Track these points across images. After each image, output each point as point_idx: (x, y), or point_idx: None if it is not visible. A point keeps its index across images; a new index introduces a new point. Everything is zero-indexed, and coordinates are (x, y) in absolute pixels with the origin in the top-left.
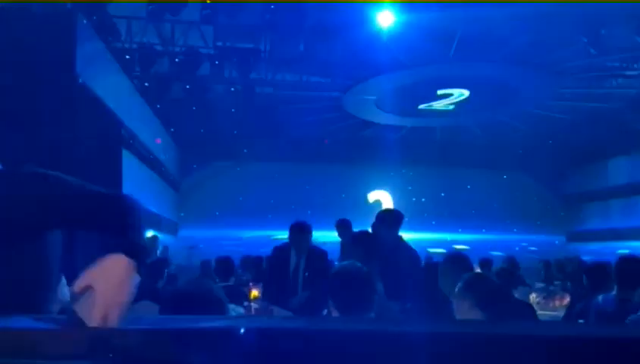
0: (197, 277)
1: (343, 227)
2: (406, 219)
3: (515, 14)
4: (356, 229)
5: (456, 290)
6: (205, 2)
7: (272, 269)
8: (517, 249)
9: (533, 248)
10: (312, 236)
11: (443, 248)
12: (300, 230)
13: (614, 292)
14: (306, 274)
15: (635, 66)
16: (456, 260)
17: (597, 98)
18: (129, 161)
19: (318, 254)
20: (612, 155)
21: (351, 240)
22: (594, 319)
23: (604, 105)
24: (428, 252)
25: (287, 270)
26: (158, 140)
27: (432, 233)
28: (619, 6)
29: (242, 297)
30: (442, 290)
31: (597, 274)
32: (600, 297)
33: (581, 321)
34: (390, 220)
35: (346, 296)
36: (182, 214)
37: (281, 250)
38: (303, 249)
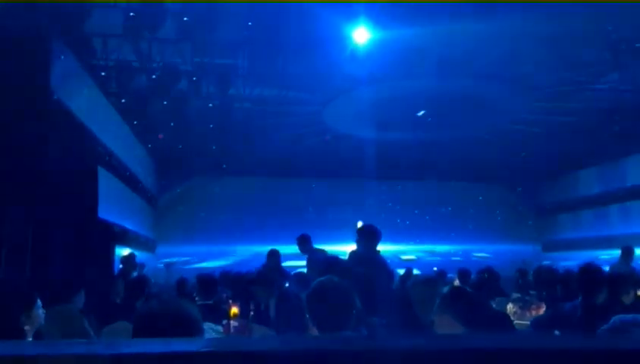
0: (172, 295)
1: (302, 241)
2: (384, 231)
3: (486, 31)
4: (332, 244)
5: (436, 306)
6: (183, 19)
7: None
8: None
9: (483, 254)
10: (269, 287)
11: (415, 257)
12: (255, 283)
13: (579, 299)
14: (277, 317)
15: (602, 80)
16: (428, 284)
17: (567, 111)
18: (105, 178)
19: (291, 297)
20: (583, 166)
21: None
22: (563, 327)
23: (574, 118)
24: (401, 258)
25: (258, 309)
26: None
27: (410, 244)
28: (586, 22)
29: (222, 315)
30: (418, 313)
31: (571, 282)
32: (567, 305)
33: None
34: (367, 236)
35: (324, 312)
36: (159, 231)
37: (247, 290)
38: (265, 298)
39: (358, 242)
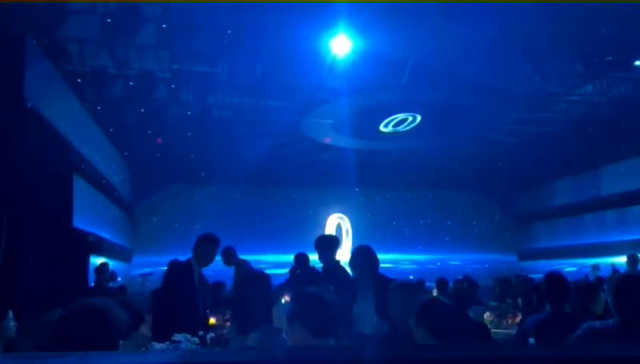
0: (104, 300)
1: (227, 254)
2: (362, 240)
3: (463, 42)
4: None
5: (413, 318)
6: (162, 25)
7: (176, 290)
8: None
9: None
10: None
11: (392, 265)
12: (210, 242)
13: (547, 309)
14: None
15: (576, 92)
16: (407, 288)
17: (542, 122)
18: (80, 187)
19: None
20: (558, 176)
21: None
22: (534, 337)
23: (549, 128)
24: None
25: (193, 287)
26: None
27: (387, 254)
28: (560, 36)
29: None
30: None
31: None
32: (540, 315)
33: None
34: (324, 245)
35: (320, 320)
36: (136, 240)
37: (183, 267)
38: (208, 262)
39: (318, 252)
